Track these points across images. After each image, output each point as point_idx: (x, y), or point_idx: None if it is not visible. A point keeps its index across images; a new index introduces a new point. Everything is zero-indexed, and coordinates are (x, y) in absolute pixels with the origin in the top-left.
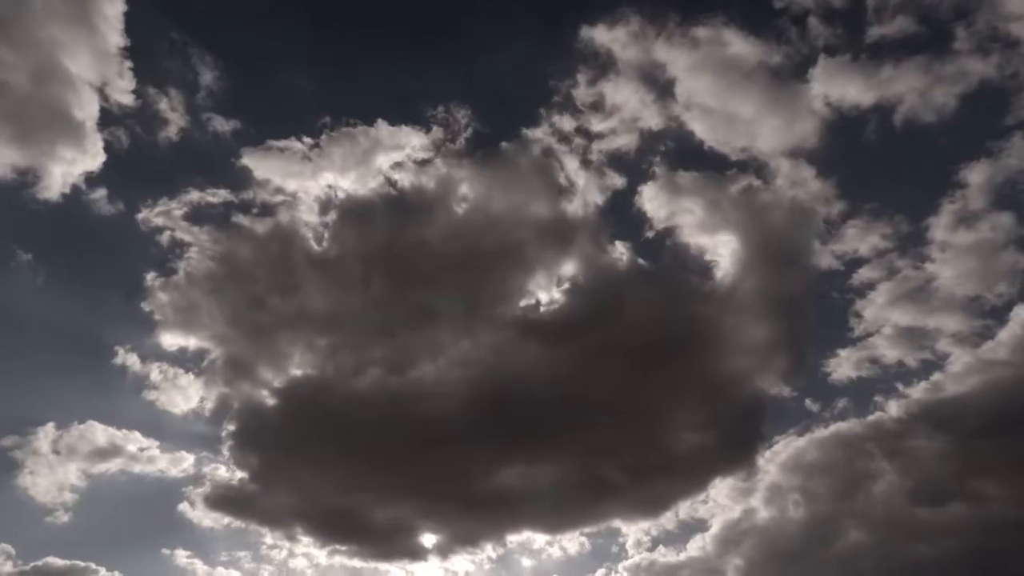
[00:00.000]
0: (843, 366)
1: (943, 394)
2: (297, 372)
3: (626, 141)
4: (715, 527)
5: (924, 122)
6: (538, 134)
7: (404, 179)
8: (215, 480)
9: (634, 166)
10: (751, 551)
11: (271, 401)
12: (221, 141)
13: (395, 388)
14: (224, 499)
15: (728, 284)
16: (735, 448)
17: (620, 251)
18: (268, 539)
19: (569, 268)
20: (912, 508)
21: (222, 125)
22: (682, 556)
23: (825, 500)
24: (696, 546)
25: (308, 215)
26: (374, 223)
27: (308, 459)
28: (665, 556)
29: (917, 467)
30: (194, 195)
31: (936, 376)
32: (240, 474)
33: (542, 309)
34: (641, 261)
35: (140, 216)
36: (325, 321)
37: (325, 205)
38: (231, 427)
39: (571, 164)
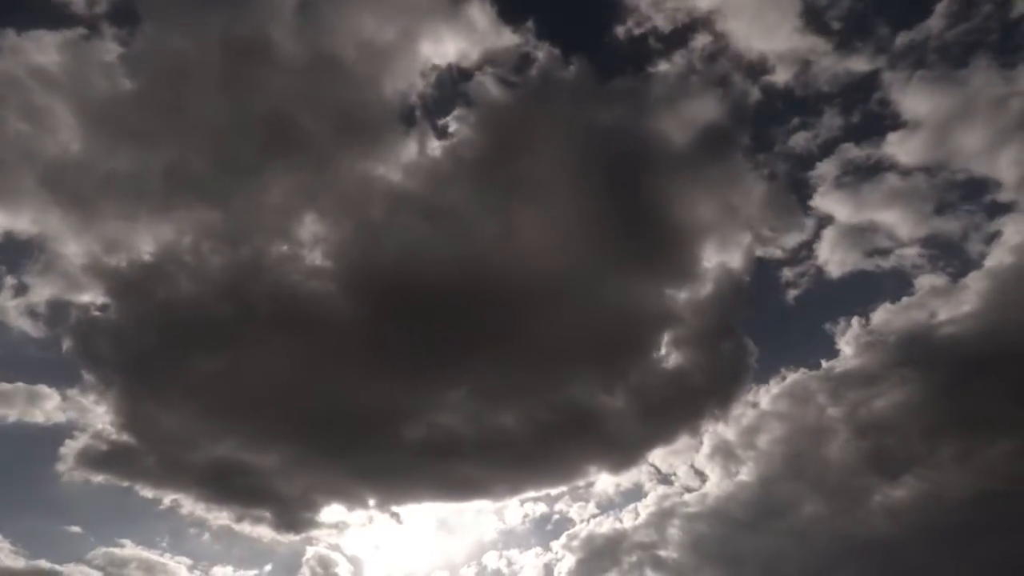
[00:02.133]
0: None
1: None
2: (139, 257)
3: None
4: (652, 496)
5: None
6: None
7: None
8: (86, 428)
9: None
10: (693, 521)
11: (115, 311)
12: None
13: (256, 268)
14: (100, 454)
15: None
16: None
17: (525, 33)
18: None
19: (455, 54)
20: (867, 473)
21: None
22: (618, 526)
23: (774, 460)
24: (631, 517)
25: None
26: (192, 16)
27: (176, 385)
28: (602, 526)
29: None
30: None
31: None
32: (120, 434)
33: (437, 143)
34: (556, 51)
35: None
36: (155, 174)
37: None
38: (71, 342)
39: None
